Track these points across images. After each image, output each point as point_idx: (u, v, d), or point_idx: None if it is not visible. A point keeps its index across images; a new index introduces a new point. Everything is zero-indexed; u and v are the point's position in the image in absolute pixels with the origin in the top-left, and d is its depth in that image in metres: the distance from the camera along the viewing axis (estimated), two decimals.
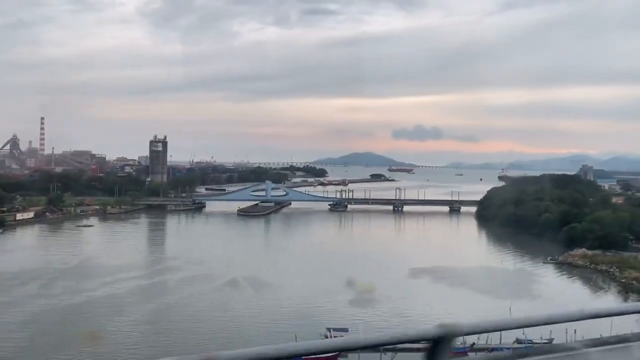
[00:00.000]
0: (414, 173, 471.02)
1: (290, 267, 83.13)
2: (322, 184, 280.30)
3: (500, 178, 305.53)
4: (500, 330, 3.87)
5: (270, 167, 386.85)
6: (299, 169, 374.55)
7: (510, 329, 3.78)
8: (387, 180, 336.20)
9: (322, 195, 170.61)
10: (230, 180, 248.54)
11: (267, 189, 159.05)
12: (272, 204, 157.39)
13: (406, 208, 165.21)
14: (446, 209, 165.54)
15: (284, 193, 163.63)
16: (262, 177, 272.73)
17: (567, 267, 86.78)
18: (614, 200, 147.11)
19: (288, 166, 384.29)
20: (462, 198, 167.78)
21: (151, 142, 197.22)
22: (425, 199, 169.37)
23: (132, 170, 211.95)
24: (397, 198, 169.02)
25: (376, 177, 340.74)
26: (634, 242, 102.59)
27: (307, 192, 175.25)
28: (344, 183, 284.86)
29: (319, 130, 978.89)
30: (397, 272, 79.63)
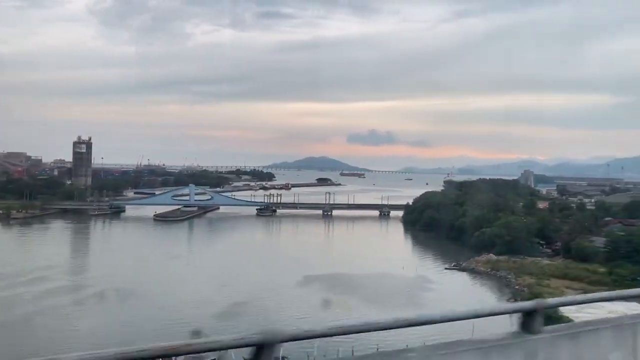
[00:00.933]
0: (364, 177, 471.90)
1: (179, 276, 77.88)
2: (264, 188, 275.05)
3: (446, 182, 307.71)
4: (325, 336, 3.71)
5: (217, 171, 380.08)
6: (245, 173, 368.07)
7: (331, 335, 3.76)
8: (334, 184, 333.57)
9: (250, 200, 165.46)
10: (165, 184, 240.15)
11: (190, 193, 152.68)
12: (194, 209, 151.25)
13: (337, 212, 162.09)
14: (377, 213, 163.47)
15: (209, 197, 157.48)
16: (202, 180, 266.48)
17: (469, 274, 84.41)
18: (540, 205, 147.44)
19: (235, 170, 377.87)
20: (398, 202, 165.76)
21: (75, 143, 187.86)
22: (356, 203, 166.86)
23: (55, 173, 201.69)
24: (326, 202, 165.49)
25: (323, 181, 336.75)
26: (544, 246, 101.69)
27: (232, 196, 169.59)
28: (287, 187, 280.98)
29: (274, 134, 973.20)
30: (291, 279, 75.59)
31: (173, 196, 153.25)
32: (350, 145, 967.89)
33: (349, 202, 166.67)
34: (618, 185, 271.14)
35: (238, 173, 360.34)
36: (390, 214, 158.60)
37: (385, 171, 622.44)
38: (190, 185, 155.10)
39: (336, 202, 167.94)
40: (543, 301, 4.63)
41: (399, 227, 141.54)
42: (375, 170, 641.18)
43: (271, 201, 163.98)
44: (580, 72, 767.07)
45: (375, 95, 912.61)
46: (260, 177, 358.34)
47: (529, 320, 4.52)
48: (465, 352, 4.20)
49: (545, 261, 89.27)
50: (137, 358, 3.09)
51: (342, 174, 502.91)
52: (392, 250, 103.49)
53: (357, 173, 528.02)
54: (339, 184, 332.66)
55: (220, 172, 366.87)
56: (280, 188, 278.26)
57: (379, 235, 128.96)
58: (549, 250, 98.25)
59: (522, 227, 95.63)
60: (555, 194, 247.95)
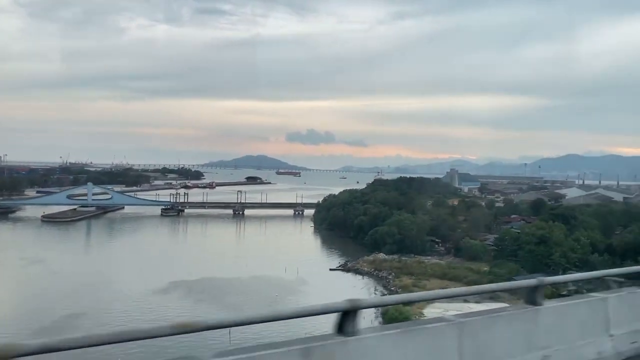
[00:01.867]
0: (300, 176, 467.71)
1: (23, 284, 70.16)
2: (186, 186, 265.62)
3: (376, 180, 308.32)
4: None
5: (142, 169, 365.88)
6: (172, 171, 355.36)
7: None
8: (264, 183, 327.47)
9: (156, 200, 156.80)
10: (75, 182, 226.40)
11: (88, 193, 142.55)
12: (92, 209, 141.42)
13: (250, 212, 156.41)
14: (291, 211, 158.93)
15: (109, 197, 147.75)
16: (119, 179, 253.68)
17: (353, 274, 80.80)
18: (451, 202, 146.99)
19: (161, 168, 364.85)
20: (313, 201, 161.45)
21: None
22: (269, 202, 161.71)
23: None
24: (238, 202, 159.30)
25: (252, 180, 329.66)
26: (440, 245, 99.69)
27: (134, 195, 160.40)
28: (211, 186, 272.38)
29: (213, 132, 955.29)
30: (155, 286, 69.21)
31: (68, 196, 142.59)
32: (289, 144, 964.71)
33: (262, 201, 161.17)
34: (536, 184, 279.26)
35: (164, 171, 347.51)
36: (305, 213, 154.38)
37: (324, 170, 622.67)
38: (88, 184, 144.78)
39: (250, 201, 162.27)
40: (357, 301, 4.64)
41: (308, 226, 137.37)
42: (314, 169, 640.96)
43: (178, 200, 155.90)
44: (510, 76, 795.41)
45: (314, 95, 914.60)
46: (188, 175, 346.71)
47: (344, 321, 4.56)
48: (287, 352, 4.29)
49: (435, 260, 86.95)
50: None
51: (278, 173, 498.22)
52: (286, 250, 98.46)
53: (293, 172, 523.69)
54: (269, 183, 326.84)
55: (146, 171, 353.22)
56: (204, 187, 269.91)
57: (283, 235, 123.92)
58: (442, 249, 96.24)
59: (415, 225, 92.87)
60: (476, 192, 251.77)
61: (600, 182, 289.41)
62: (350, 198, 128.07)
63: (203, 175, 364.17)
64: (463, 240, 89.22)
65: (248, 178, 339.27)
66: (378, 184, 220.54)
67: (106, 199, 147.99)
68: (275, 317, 4.41)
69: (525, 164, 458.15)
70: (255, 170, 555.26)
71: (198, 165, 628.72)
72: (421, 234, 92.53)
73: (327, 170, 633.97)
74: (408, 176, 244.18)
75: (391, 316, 49.11)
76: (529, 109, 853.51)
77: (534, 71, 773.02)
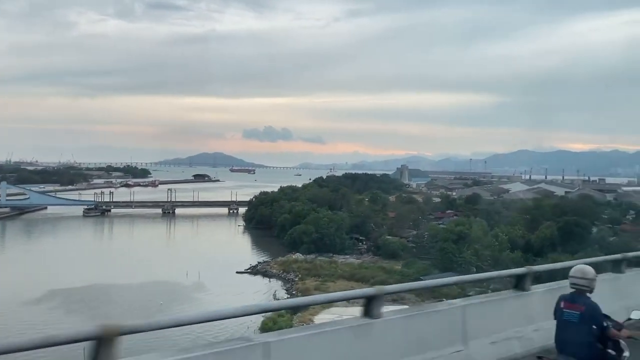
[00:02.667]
0: (254, 173, 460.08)
1: None
2: (126, 185, 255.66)
3: (328, 177, 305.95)
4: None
5: (86, 167, 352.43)
6: (117, 170, 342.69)
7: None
8: (212, 180, 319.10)
9: (78, 199, 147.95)
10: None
11: (1, 193, 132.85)
12: (6, 209, 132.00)
13: (182, 211, 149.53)
14: (226, 210, 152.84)
15: (27, 197, 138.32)
16: (53, 178, 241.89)
17: (261, 277, 75.67)
18: (392, 198, 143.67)
19: (105, 166, 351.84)
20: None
21: None
22: (202, 200, 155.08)
23: None
24: (168, 200, 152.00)
25: (199, 178, 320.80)
26: (364, 242, 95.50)
27: (54, 195, 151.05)
28: (153, 184, 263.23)
29: (167, 130, 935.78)
30: (34, 294, 62.51)
31: None
32: (246, 141, 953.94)
33: (195, 200, 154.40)
34: (483, 179, 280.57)
35: (109, 170, 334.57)
36: (240, 211, 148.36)
37: (281, 167, 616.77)
38: (1, 183, 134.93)
39: (181, 199, 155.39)
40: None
41: (238, 225, 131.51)
42: (271, 167, 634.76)
43: (103, 200, 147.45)
44: (463, 73, 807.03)
45: (272, 92, 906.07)
46: (134, 173, 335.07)
47: None
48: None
49: (352, 259, 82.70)
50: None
51: (232, 170, 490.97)
52: (204, 251, 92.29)
53: (247, 169, 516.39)
54: (218, 180, 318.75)
55: (90, 169, 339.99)
56: (147, 185, 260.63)
57: (208, 234, 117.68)
58: (364, 247, 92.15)
59: (334, 223, 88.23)
60: (423, 188, 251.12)
61: (546, 177, 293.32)
62: (280, 195, 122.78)
63: (150, 174, 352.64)
64: (381, 238, 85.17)
65: (196, 176, 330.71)
66: (329, 181, 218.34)
67: (22, 199, 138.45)
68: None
69: (470, 159, 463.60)
70: (211, 167, 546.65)
71: (153, 163, 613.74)
72: (340, 232, 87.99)
73: (284, 168, 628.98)
74: (355, 172, 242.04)
75: (264, 327, 44.20)
76: (481, 106, 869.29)
77: (486, 69, 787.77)
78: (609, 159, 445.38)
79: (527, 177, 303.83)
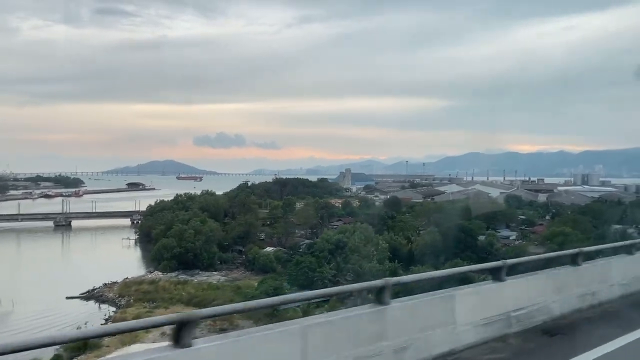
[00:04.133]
0: (200, 181, 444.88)
1: None
2: (46, 196, 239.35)
3: (274, 181, 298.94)
4: None
5: (14, 178, 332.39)
6: (48, 179, 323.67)
7: None
8: (146, 189, 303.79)
9: None
10: None
11: None
12: None
13: (79, 223, 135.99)
14: (128, 221, 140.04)
15: None
16: None
17: (95, 302, 63.97)
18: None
19: (34, 176, 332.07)
20: None
21: None
22: (100, 211, 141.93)
23: None
24: (63, 211, 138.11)
25: (134, 186, 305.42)
26: (242, 253, 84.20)
27: None
28: (77, 194, 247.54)
29: (116, 138, 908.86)
30: None
31: None
32: (198, 148, 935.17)
33: (92, 211, 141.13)
34: (425, 181, 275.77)
35: (37, 180, 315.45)
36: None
37: (234, 174, 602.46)
38: None
39: (77, 210, 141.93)
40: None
41: (132, 237, 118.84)
42: (223, 173, 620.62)
43: None
44: (413, 78, 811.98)
45: (224, 98, 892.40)
46: (66, 183, 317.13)
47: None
48: None
49: (217, 277, 71.73)
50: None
51: (178, 178, 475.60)
52: (52, 272, 79.28)
53: (194, 176, 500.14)
54: (152, 189, 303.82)
55: (17, 180, 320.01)
56: (69, 195, 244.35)
57: (81, 251, 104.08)
58: (241, 261, 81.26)
59: (203, 235, 77.02)
60: (362, 192, 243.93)
61: (487, 179, 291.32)
62: (172, 204, 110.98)
63: (84, 183, 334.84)
64: (252, 251, 74.50)
65: (130, 184, 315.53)
66: (255, 187, 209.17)
67: None
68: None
69: (424, 163, 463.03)
70: (160, 175, 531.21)
71: (100, 172, 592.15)
72: (210, 245, 76.78)
73: (237, 174, 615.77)
74: (286, 177, 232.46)
75: None
76: (432, 110, 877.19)
77: (437, 73, 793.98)
78: (555, 160, 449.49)
79: (469, 178, 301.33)
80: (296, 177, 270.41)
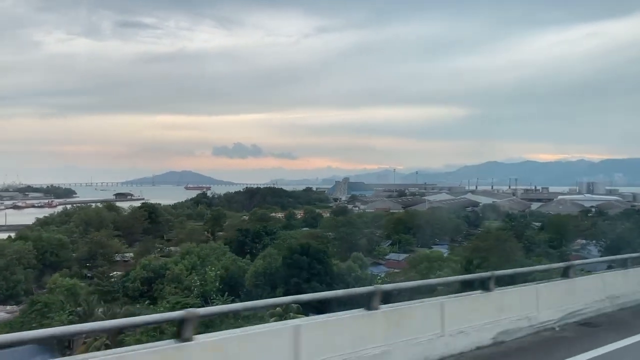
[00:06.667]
0: (210, 190, 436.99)
1: None
2: (15, 206, 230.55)
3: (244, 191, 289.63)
4: None
5: (15, 189, 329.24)
6: (38, 190, 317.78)
7: None
8: (134, 199, 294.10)
9: None
10: None
11: None
12: None
13: None
14: None
15: None
16: None
17: None
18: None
19: (25, 186, 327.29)
20: None
21: None
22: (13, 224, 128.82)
23: None
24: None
25: (121, 197, 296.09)
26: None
27: None
28: (50, 204, 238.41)
29: (135, 149, 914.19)
30: None
31: None
32: (216, 158, 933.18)
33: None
34: (414, 190, 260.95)
35: (27, 190, 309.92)
36: None
37: (251, 184, 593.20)
38: None
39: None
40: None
41: None
42: (239, 183, 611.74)
43: None
44: (433, 87, 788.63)
45: (242, 108, 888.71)
46: (58, 194, 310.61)
47: None
48: None
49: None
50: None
51: (186, 188, 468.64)
52: None
53: (202, 187, 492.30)
54: (142, 199, 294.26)
55: (6, 190, 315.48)
56: (42, 206, 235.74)
57: None
58: None
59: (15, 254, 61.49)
60: (345, 203, 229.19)
61: (492, 187, 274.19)
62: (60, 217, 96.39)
63: (76, 193, 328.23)
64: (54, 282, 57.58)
65: (117, 194, 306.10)
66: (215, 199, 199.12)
67: None
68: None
69: (441, 173, 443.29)
70: (175, 186, 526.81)
71: (117, 183, 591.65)
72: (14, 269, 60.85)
73: (254, 185, 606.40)
74: (258, 187, 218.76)
75: None
76: (451, 119, 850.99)
77: (456, 83, 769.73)
78: (575, 169, 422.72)
79: (474, 187, 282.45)
80: (271, 186, 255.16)
